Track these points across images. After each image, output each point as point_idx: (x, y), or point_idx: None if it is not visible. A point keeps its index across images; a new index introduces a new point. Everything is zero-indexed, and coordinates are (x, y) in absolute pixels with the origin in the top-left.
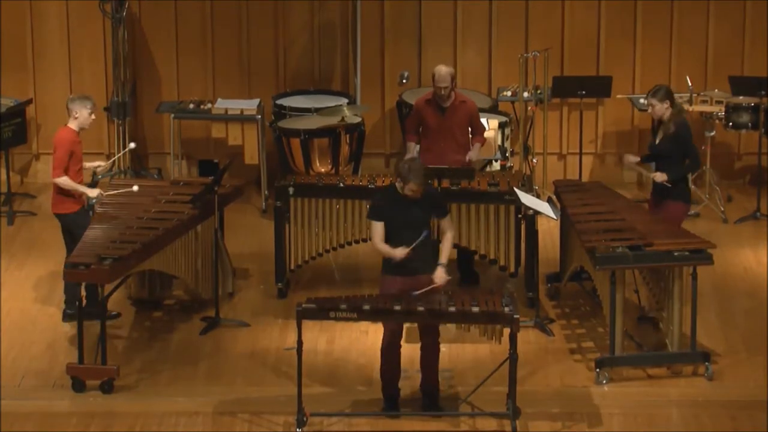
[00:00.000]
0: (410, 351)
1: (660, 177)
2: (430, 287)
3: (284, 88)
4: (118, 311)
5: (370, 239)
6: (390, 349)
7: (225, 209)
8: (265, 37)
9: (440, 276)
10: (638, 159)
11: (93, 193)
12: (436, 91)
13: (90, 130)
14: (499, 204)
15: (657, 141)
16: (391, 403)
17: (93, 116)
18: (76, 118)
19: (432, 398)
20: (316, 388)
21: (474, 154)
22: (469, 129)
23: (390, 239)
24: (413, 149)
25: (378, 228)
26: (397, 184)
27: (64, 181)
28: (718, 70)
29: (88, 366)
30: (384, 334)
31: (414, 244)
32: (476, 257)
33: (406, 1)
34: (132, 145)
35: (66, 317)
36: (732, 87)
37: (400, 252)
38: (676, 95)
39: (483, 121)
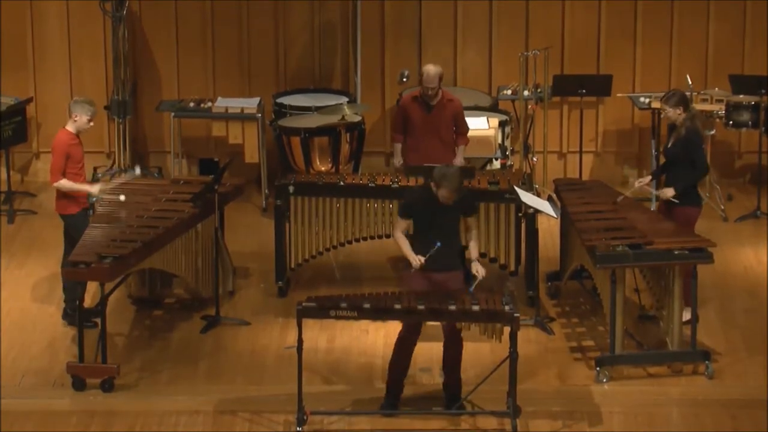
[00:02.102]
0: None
1: (667, 193)
2: (477, 281)
3: (284, 87)
4: (95, 321)
5: (392, 232)
6: (404, 343)
7: (225, 208)
8: (265, 35)
9: (478, 270)
10: (648, 179)
11: (95, 189)
12: (423, 90)
13: (90, 129)
14: (500, 203)
15: (669, 145)
16: (392, 399)
17: (92, 123)
18: (75, 120)
19: (454, 397)
20: (317, 387)
21: (460, 159)
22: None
23: (418, 237)
24: (399, 150)
25: (402, 223)
26: (432, 187)
27: (63, 183)
28: (718, 69)
29: (88, 365)
30: (402, 327)
31: (428, 255)
32: None
33: (407, 1)
34: (122, 197)
35: (66, 316)
36: (732, 86)
37: (416, 261)
38: None
39: (483, 120)
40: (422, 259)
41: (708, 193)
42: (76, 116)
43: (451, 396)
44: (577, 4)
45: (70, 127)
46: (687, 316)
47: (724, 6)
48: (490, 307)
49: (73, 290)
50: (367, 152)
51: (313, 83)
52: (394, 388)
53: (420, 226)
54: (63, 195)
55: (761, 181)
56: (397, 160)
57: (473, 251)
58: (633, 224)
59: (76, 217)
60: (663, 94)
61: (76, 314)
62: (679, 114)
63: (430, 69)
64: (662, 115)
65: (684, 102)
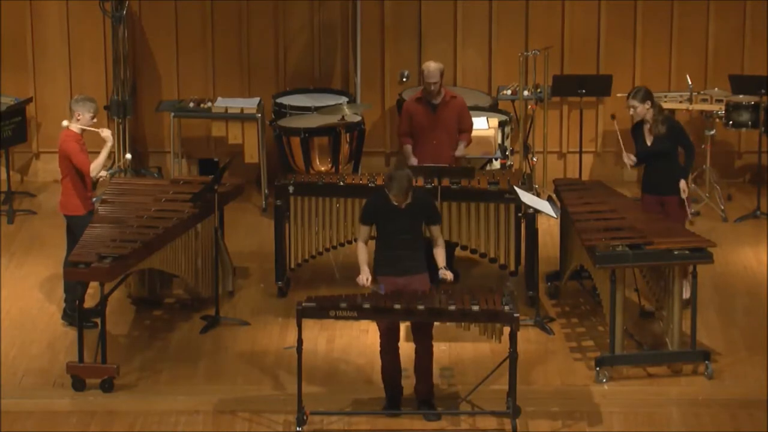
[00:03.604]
0: (410, 350)
1: (628, 159)
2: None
3: (284, 87)
4: (95, 321)
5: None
6: (387, 350)
7: (225, 208)
8: (265, 35)
9: (446, 275)
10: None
11: (106, 133)
12: (425, 87)
13: (94, 126)
14: (500, 203)
15: (650, 143)
16: (393, 402)
17: (95, 119)
18: (78, 119)
19: (426, 402)
20: (316, 387)
21: (459, 152)
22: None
23: (380, 242)
24: (410, 151)
25: (363, 230)
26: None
27: (94, 167)
28: (718, 69)
29: (88, 365)
30: (380, 335)
31: (372, 291)
32: (476, 256)
33: (407, 1)
34: (128, 156)
35: (65, 317)
36: (732, 86)
37: (360, 279)
38: (676, 94)
39: (483, 119)
40: (368, 280)
41: (708, 194)
42: (78, 115)
43: (422, 401)
44: (577, 4)
45: (74, 127)
46: (686, 293)
47: (724, 6)
48: (490, 307)
49: (73, 290)
50: (367, 152)
51: (312, 83)
52: (393, 392)
53: (381, 230)
54: (71, 196)
55: (761, 181)
56: (411, 161)
57: (438, 261)
58: (633, 224)
59: (83, 219)
60: (660, 92)
61: (75, 314)
62: (648, 108)
63: (431, 64)
64: (630, 113)
65: (650, 96)
